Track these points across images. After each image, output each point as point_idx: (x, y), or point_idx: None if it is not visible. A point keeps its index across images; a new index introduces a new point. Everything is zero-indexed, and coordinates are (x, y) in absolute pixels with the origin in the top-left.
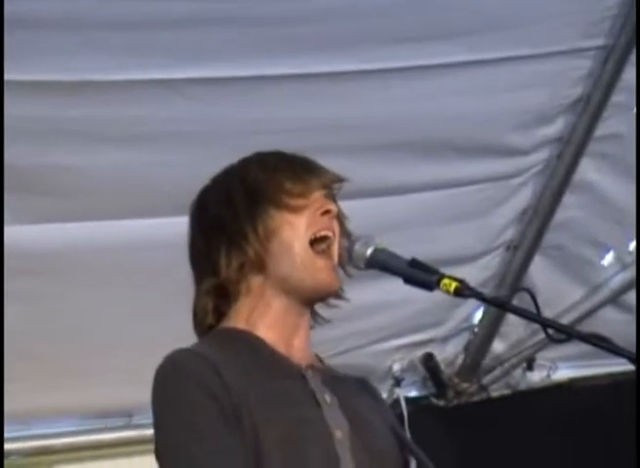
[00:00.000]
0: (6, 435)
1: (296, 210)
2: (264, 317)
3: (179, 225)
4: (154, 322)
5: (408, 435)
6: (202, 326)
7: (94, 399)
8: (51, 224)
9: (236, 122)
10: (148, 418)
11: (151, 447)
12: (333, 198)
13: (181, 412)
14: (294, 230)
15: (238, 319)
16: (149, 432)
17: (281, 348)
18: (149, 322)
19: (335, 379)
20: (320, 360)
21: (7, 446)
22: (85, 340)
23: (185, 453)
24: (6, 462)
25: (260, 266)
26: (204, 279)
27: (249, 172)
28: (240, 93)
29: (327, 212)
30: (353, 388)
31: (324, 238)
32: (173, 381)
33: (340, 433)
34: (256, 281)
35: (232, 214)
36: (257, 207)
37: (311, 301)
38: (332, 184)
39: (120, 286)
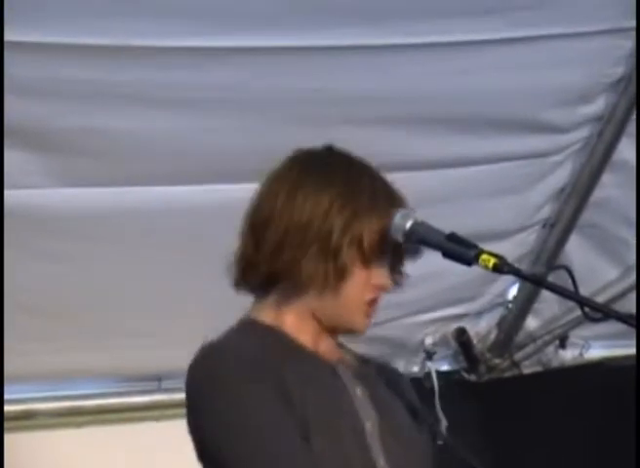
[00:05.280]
0: (35, 395)
1: (368, 264)
2: (292, 319)
3: (215, 193)
4: (185, 288)
5: (438, 406)
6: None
7: (123, 362)
8: (89, 188)
9: (279, 91)
10: (178, 383)
11: (180, 411)
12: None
13: (235, 399)
14: (358, 281)
15: (267, 313)
16: (178, 396)
17: (309, 345)
18: (180, 288)
19: (363, 373)
20: (343, 346)
21: (35, 405)
22: (115, 304)
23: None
24: (34, 422)
25: (315, 293)
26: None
27: (354, 195)
28: (284, 63)
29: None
30: (378, 377)
31: (374, 300)
32: (219, 368)
33: (370, 424)
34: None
35: (329, 227)
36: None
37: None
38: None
39: (153, 251)
